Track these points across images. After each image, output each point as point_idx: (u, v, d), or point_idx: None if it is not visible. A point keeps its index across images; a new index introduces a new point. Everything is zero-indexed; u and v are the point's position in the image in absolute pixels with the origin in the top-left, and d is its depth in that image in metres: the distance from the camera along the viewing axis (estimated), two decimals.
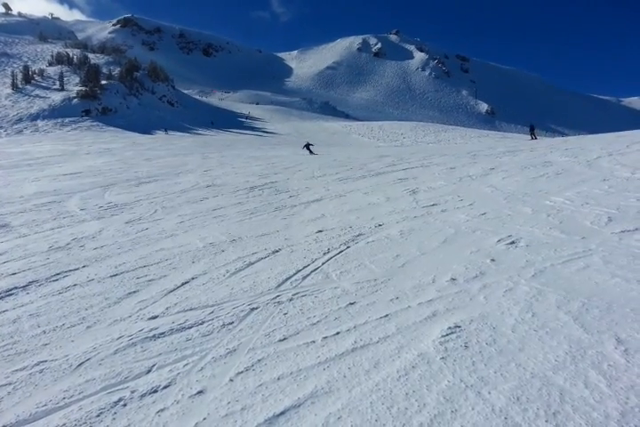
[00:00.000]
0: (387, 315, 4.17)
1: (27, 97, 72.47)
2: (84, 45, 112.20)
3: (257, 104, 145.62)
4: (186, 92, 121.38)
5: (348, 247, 6.50)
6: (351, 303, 4.49)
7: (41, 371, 3.52)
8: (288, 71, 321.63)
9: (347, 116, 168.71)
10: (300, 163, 20.47)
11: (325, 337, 3.81)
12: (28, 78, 78.47)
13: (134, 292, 5.24)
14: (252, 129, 75.44)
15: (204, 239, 7.57)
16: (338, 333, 3.88)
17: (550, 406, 2.72)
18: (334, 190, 11.99)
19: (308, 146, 28.92)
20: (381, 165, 17.65)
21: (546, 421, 2.59)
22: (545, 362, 3.20)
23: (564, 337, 3.53)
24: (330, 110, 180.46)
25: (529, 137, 37.22)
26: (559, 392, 2.84)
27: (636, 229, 6.52)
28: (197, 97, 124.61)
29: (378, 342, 3.68)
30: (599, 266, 5.11)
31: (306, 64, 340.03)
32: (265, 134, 65.12)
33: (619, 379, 2.94)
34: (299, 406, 2.92)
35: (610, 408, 2.66)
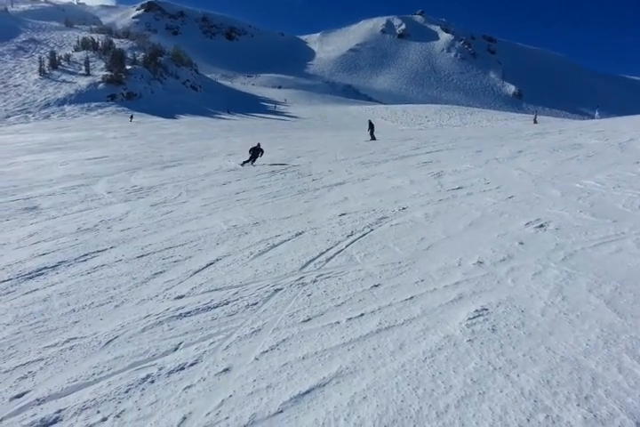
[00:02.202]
0: (412, 297, 4.13)
1: (54, 82, 73.60)
2: (109, 31, 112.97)
3: (279, 88, 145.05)
4: (209, 76, 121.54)
5: (371, 230, 6.44)
6: (375, 285, 4.45)
7: (71, 348, 3.60)
8: (310, 54, 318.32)
9: (370, 100, 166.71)
10: (322, 146, 20.35)
11: (350, 318, 3.80)
12: (54, 64, 79.57)
13: (161, 272, 5.31)
14: (275, 113, 75.25)
15: (228, 222, 7.61)
16: (362, 314, 3.85)
17: (582, 390, 2.66)
18: (357, 174, 11.87)
19: (371, 128, 23.19)
20: (405, 148, 17.40)
21: (577, 405, 2.53)
22: (576, 346, 3.12)
23: (595, 321, 3.43)
24: (352, 93, 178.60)
25: (546, 119, 41.45)
26: (591, 376, 2.77)
27: None
28: (220, 81, 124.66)
29: (403, 323, 3.65)
30: (632, 250, 4.94)
31: (329, 47, 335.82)
32: (287, 118, 64.89)
33: None
34: (324, 385, 2.92)
35: None
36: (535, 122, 39.19)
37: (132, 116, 52.72)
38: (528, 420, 2.45)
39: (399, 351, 3.24)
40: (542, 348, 3.13)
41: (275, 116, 69.14)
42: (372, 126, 23.51)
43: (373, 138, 22.64)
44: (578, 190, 8.18)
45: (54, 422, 2.71)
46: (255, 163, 15.26)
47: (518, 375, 2.84)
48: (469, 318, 3.61)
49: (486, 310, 3.75)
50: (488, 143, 17.65)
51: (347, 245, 5.80)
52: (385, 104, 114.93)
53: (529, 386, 2.73)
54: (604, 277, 4.20)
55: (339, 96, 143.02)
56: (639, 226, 5.78)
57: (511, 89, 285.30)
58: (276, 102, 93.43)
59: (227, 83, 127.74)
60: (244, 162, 15.14)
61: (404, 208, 7.61)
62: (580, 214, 6.55)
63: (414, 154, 15.29)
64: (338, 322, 3.76)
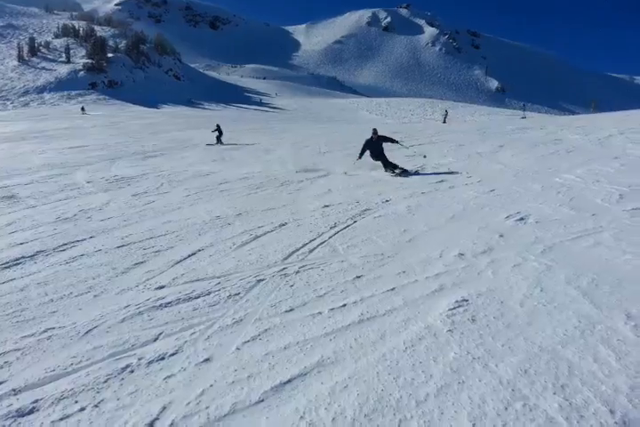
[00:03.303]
0: (393, 288, 4.15)
1: (33, 69, 71.87)
2: (90, 17, 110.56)
3: (264, 79, 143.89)
4: (192, 65, 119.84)
5: (355, 222, 6.46)
6: (358, 277, 4.47)
7: (49, 338, 3.54)
8: (296, 45, 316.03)
9: (354, 92, 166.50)
10: (306, 138, 20.29)
11: (332, 309, 3.80)
12: (33, 50, 77.65)
13: (141, 262, 5.25)
14: (259, 104, 74.67)
15: (211, 212, 7.54)
16: (344, 305, 3.86)
17: (558, 379, 2.71)
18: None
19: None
20: None
21: (554, 393, 2.58)
22: (553, 336, 3.18)
23: (572, 312, 3.49)
24: (337, 86, 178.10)
25: (531, 114, 41.03)
26: (568, 366, 2.82)
27: None
28: (204, 71, 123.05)
29: (384, 314, 3.67)
30: (610, 243, 5.04)
31: (314, 38, 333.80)
32: (272, 110, 64.51)
33: (628, 354, 2.91)
34: (305, 374, 2.92)
35: (619, 382, 2.64)
36: (524, 117, 39.76)
37: (82, 108, 46.41)
38: (506, 408, 2.49)
39: (380, 341, 3.26)
40: (521, 338, 3.18)
41: (259, 108, 68.65)
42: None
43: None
44: (558, 184, 8.30)
45: (30, 412, 2.66)
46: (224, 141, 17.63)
47: (497, 365, 2.89)
48: (450, 309, 3.65)
49: (466, 300, 3.79)
50: (471, 137, 17.80)
51: (330, 237, 5.80)
52: (370, 97, 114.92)
53: (507, 375, 2.78)
54: (582, 270, 4.28)
55: (323, 88, 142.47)
56: (617, 220, 5.90)
57: (494, 84, 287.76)
58: (261, 94, 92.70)
59: (211, 73, 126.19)
60: (214, 144, 17.55)
61: (387, 200, 7.64)
62: (560, 208, 6.66)
63: (398, 147, 15.31)
64: (320, 312, 3.76)
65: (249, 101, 79.15)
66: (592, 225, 5.73)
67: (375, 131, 11.10)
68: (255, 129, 27.06)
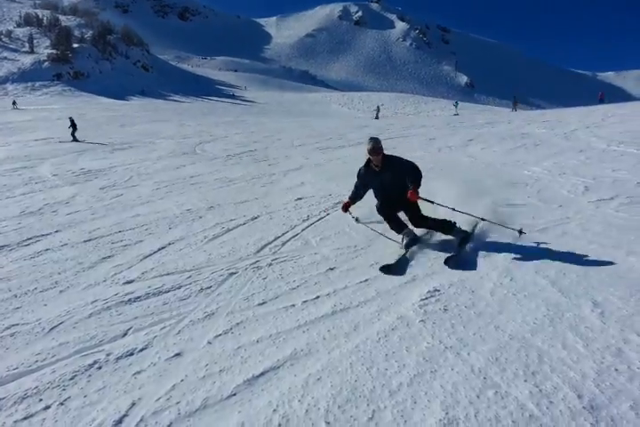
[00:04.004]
0: (366, 280, 4.15)
1: None
2: (55, 6, 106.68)
3: (235, 71, 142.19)
4: (161, 57, 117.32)
5: (327, 214, 6.44)
6: (331, 269, 4.45)
7: (12, 334, 3.40)
8: (267, 38, 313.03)
9: (326, 86, 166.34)
10: (278, 132, 20.15)
11: (305, 301, 3.78)
12: None
13: (109, 257, 5.11)
14: (231, 97, 73.75)
15: (182, 206, 7.41)
16: (317, 297, 3.84)
17: (529, 366, 2.75)
18: (314, 159, 11.84)
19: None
20: (361, 135, 17.49)
21: (525, 380, 2.62)
22: (523, 324, 3.23)
23: (542, 301, 3.56)
24: (309, 79, 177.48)
25: (509, 109, 39.38)
26: (537, 353, 2.87)
27: (612, 198, 6.61)
28: (173, 63, 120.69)
29: (358, 305, 3.67)
30: (576, 233, 5.17)
31: (285, 31, 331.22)
32: (243, 103, 63.84)
33: (595, 340, 2.98)
34: (278, 367, 2.89)
35: (586, 368, 2.70)
36: (515, 110, 38.26)
37: (14, 102, 41.86)
38: (478, 396, 2.52)
39: (354, 333, 3.26)
40: (491, 327, 3.23)
41: (230, 100, 67.81)
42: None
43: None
44: (525, 177, 8.46)
45: None
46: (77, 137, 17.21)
47: (469, 354, 2.92)
48: (422, 299, 3.67)
49: (438, 291, 3.82)
50: (441, 131, 18.01)
51: (302, 230, 5.76)
52: (342, 91, 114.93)
53: (479, 364, 2.81)
54: (550, 260, 4.37)
55: (296, 82, 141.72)
56: (583, 211, 6.05)
57: (464, 79, 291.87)
58: (233, 87, 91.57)
59: (181, 65, 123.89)
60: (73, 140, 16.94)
61: None
62: (528, 199, 6.79)
63: None
64: (293, 305, 3.73)
65: (220, 94, 78.07)
66: (559, 216, 5.86)
67: (375, 148, 4.76)
68: (227, 122, 26.70)
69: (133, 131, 21.10)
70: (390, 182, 4.86)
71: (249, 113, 41.47)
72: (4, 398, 2.66)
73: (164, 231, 6.06)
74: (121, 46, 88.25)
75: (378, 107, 39.52)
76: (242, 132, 20.54)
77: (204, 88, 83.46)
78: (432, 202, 4.96)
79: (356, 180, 5.32)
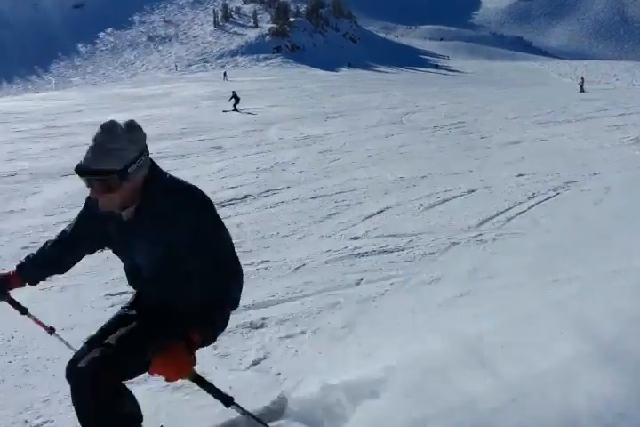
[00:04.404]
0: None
1: (227, 34, 78.96)
2: None
3: (440, 40, 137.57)
4: (368, 28, 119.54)
5: (557, 194, 5.92)
6: (566, 252, 4.10)
7: (266, 268, 4.00)
8: (475, 3, 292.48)
9: (544, 54, 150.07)
10: (488, 103, 19.02)
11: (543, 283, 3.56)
12: (226, 16, 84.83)
13: (335, 213, 5.56)
14: (436, 67, 71.91)
15: (394, 173, 7.59)
16: (556, 280, 3.58)
17: None
18: (534, 134, 10.90)
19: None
20: (589, 109, 15.44)
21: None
22: None
23: None
24: (523, 47, 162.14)
25: None
26: None
27: None
28: (380, 34, 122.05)
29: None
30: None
31: None
32: (449, 73, 61.73)
33: None
34: None
35: None
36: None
37: (224, 74, 44.27)
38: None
39: None
40: None
41: (435, 70, 66.18)
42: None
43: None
44: None
45: (261, 326, 3.05)
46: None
47: None
48: None
49: None
50: None
51: (529, 207, 5.42)
52: (563, 59, 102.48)
53: None
54: None
55: (506, 50, 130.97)
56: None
57: None
58: (437, 57, 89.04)
59: (387, 35, 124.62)
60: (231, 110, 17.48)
61: (595, 173, 6.82)
62: None
63: (601, 116, 13.52)
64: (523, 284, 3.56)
65: (424, 64, 76.74)
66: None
67: None
68: (432, 93, 26.19)
69: (343, 100, 22.14)
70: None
71: (455, 83, 39.97)
72: (268, 318, 3.16)
73: (381, 196, 6.32)
74: (331, 19, 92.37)
75: (582, 78, 33.94)
76: (448, 103, 19.91)
77: (408, 58, 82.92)
78: None
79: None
